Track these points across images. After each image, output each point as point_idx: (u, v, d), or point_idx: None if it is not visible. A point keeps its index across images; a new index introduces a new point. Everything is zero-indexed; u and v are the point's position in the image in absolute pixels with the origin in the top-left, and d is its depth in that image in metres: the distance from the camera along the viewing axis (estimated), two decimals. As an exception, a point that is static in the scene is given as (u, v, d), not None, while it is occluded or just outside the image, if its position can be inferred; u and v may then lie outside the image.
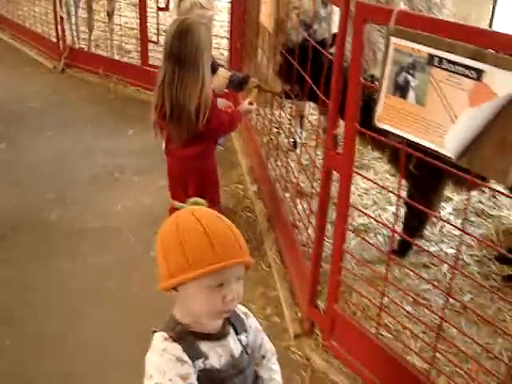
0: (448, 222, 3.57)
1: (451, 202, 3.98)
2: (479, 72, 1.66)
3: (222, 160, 4.19)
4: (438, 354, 2.32)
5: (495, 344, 2.73)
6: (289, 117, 4.22)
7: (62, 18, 6.87)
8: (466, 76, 1.69)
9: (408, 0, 4.44)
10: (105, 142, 5.07)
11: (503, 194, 2.78)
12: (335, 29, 2.57)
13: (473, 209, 3.93)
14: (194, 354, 1.46)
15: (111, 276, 3.32)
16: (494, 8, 6.54)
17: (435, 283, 2.90)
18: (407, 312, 2.63)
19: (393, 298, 2.76)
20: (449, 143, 1.79)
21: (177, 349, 1.44)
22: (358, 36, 2.11)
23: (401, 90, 1.93)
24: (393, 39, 1.92)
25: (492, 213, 3.91)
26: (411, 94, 1.90)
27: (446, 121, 1.79)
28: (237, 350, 1.54)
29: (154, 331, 1.50)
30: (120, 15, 6.83)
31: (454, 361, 2.42)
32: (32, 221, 3.85)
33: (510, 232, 3.64)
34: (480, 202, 4.03)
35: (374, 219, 3.21)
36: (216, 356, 1.49)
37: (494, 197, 4.08)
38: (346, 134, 2.30)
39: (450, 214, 3.85)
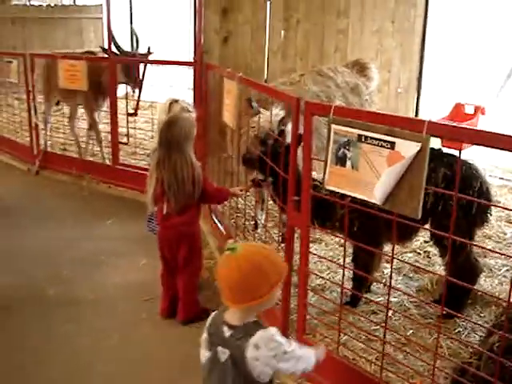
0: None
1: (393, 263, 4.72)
2: (392, 143, 2.45)
3: None
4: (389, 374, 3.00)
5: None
6: (249, 203, 5.00)
7: (36, 124, 7.61)
8: (384, 147, 2.48)
9: (344, 97, 5.40)
10: (86, 231, 5.67)
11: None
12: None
13: (411, 267, 4.70)
14: None
15: (110, 337, 3.88)
16: (418, 100, 7.68)
17: (382, 324, 3.60)
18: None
19: (350, 336, 3.46)
20: (376, 194, 2.55)
21: None
22: (308, 125, 2.91)
23: (341, 161, 2.71)
24: (333, 126, 2.71)
25: (426, 269, 4.67)
26: (348, 163, 2.68)
27: (373, 179, 2.55)
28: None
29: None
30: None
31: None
32: (33, 296, 4.40)
33: (442, 281, 4.37)
34: (416, 261, 4.80)
35: (328, 280, 3.93)
36: None
37: (429, 257, 4.85)
38: (303, 199, 3.04)
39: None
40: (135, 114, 6.99)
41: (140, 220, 5.49)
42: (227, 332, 2.27)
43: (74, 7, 14.96)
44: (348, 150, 2.66)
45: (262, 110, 4.45)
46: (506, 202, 6.18)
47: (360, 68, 5.94)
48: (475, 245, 4.03)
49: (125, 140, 6.97)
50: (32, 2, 17.11)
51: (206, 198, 4.01)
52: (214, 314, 2.43)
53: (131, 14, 12.19)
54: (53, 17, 14.05)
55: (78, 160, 7.44)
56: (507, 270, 4.64)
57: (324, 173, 2.79)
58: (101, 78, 6.77)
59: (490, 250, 4.82)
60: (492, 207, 4.04)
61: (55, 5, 15.83)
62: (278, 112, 4.32)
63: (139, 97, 7.29)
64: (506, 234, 5.40)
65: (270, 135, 3.98)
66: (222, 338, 2.28)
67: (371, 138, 2.54)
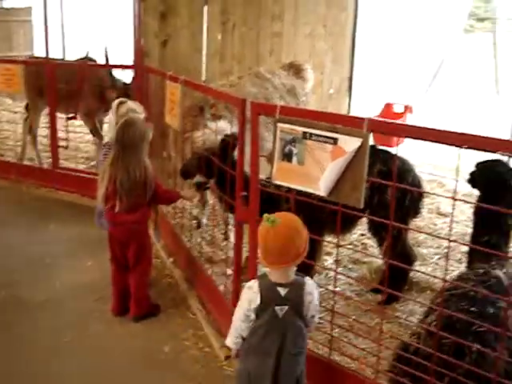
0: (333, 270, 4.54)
1: (332, 255, 4.96)
2: (335, 139, 2.66)
3: None
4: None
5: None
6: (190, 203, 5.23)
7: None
8: (327, 142, 2.68)
9: (282, 98, 5.63)
10: (29, 235, 5.64)
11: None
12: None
13: (350, 258, 4.96)
14: None
15: (64, 335, 3.94)
16: (349, 100, 8.02)
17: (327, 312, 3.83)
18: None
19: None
20: (321, 187, 2.74)
21: None
22: (255, 124, 3.08)
23: (287, 156, 2.89)
24: (279, 124, 2.89)
25: (364, 260, 4.94)
26: (294, 159, 2.86)
27: (318, 173, 2.75)
28: None
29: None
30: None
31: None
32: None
33: (379, 270, 4.64)
34: (355, 252, 5.06)
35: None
36: None
37: (366, 249, 5.13)
38: (252, 194, 3.22)
39: (331, 264, 4.81)
40: (75, 118, 6.98)
41: (82, 222, 5.58)
42: (283, 291, 2.70)
43: (2, 10, 14.59)
44: (294, 146, 2.84)
45: (208, 122, 4.61)
46: (435, 195, 6.54)
47: (296, 70, 6.16)
48: (412, 229, 4.33)
49: (64, 144, 6.93)
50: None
51: (157, 198, 4.12)
52: (258, 287, 2.73)
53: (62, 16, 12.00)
54: (-20, 20, 13.72)
55: (16, 165, 7.33)
56: (439, 258, 4.97)
57: (271, 168, 2.97)
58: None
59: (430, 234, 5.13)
60: (423, 200, 4.33)
61: (-18, 8, 15.47)
62: (222, 126, 4.44)
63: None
64: (436, 224, 5.75)
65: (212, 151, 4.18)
66: (279, 298, 2.70)
67: (315, 134, 2.73)
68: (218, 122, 4.42)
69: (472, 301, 2.88)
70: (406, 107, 8.35)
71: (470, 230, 4.12)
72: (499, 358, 2.55)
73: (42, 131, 7.71)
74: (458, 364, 2.62)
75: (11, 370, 3.60)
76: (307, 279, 2.79)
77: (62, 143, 6.90)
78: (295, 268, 2.75)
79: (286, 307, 2.69)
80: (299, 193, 3.05)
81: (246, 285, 2.84)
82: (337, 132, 2.63)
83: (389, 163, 3.89)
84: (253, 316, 2.72)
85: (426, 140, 2.55)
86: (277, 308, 2.69)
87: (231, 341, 2.84)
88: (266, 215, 2.63)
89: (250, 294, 2.73)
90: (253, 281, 2.79)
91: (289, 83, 5.92)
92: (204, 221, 5.61)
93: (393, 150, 4.10)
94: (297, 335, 2.74)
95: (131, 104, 4.47)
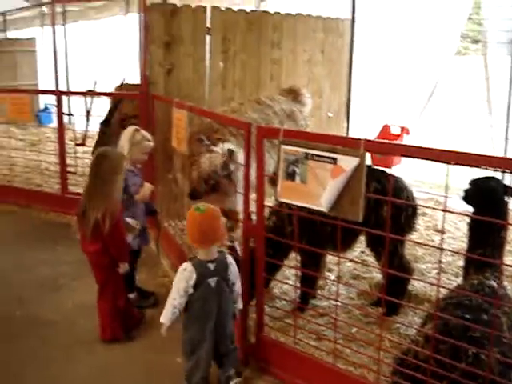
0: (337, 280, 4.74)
1: (334, 271, 5.16)
2: (334, 159, 2.89)
3: (146, 261, 5.33)
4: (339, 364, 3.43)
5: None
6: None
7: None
8: (327, 162, 2.92)
9: (281, 123, 5.86)
10: (39, 256, 5.84)
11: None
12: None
13: (351, 274, 5.16)
14: None
15: (76, 351, 4.15)
16: (348, 123, 8.28)
17: (329, 325, 4.05)
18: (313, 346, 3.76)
19: (300, 338, 3.88)
20: (323, 203, 2.97)
21: None
22: (260, 147, 3.32)
23: (291, 176, 3.12)
24: (282, 146, 3.12)
25: (365, 275, 5.14)
26: (297, 178, 3.10)
27: (320, 190, 2.98)
28: None
29: None
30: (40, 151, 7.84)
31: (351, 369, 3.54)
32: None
33: (379, 285, 4.84)
34: (355, 269, 5.26)
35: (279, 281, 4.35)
36: None
37: (367, 265, 5.32)
38: (258, 210, 3.44)
39: (333, 281, 5.00)
40: (83, 144, 7.25)
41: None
42: (212, 266, 3.39)
43: (7, 41, 14.95)
44: (297, 166, 3.07)
45: (212, 147, 4.84)
46: (432, 213, 6.75)
47: (294, 95, 6.40)
48: (408, 240, 4.54)
49: (72, 169, 7.17)
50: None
51: (108, 239, 4.03)
52: (191, 265, 3.37)
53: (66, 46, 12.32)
54: (-15, 50, 14.07)
55: (25, 191, 7.57)
56: (437, 273, 5.15)
57: (276, 187, 3.20)
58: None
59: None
60: (417, 217, 4.55)
61: (-12, 39, 15.84)
62: (224, 148, 4.69)
63: (87, 127, 7.54)
64: (433, 240, 5.95)
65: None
66: (209, 272, 3.38)
67: (316, 155, 2.96)
68: (224, 144, 4.66)
69: (467, 309, 3.09)
70: (403, 128, 8.59)
71: (465, 246, 4.32)
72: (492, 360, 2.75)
73: (51, 158, 7.94)
74: (454, 366, 2.83)
75: (23, 381, 3.83)
76: (226, 253, 3.55)
77: (70, 169, 7.13)
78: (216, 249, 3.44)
79: (216, 278, 3.38)
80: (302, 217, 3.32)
81: (180, 268, 3.42)
82: (336, 152, 2.87)
83: (383, 181, 4.14)
84: (191, 290, 3.33)
85: (419, 158, 2.78)
86: (209, 280, 3.36)
87: (167, 318, 3.37)
88: (194, 205, 3.35)
89: (186, 273, 3.35)
90: (186, 263, 3.40)
91: (288, 108, 6.15)
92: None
93: (389, 170, 4.34)
94: (227, 299, 3.45)
95: (144, 132, 4.69)
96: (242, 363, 3.84)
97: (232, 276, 3.47)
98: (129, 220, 4.45)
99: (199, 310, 3.38)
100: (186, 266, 3.37)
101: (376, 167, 4.42)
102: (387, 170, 4.40)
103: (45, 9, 15.67)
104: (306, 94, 6.51)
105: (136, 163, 4.75)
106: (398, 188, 4.24)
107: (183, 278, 3.35)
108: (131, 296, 4.79)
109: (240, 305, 3.63)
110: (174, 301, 3.36)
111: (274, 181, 4.00)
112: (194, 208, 3.31)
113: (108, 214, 3.93)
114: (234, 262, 3.49)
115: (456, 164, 2.65)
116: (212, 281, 3.37)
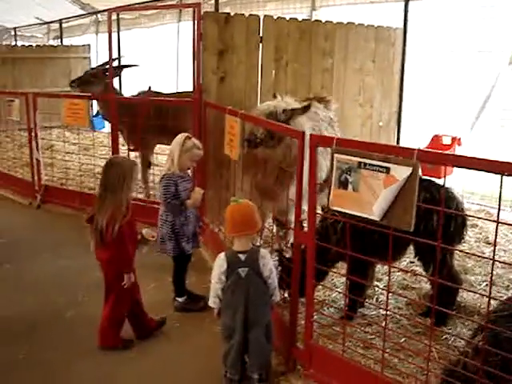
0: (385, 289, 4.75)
1: (382, 281, 5.17)
2: (387, 168, 2.92)
3: (196, 267, 5.43)
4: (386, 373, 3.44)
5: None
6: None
7: (37, 160, 7.99)
8: (380, 171, 2.95)
9: (327, 130, 5.86)
10: (94, 259, 5.99)
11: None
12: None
13: (399, 284, 5.15)
14: None
15: (129, 350, 4.30)
16: (398, 132, 8.23)
17: (378, 334, 4.06)
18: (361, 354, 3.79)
19: (349, 346, 3.91)
20: (375, 212, 3.00)
21: None
22: (313, 155, 3.37)
23: (343, 184, 3.16)
24: (335, 155, 3.17)
25: (414, 286, 5.12)
26: (350, 186, 3.13)
27: (372, 199, 3.01)
28: None
29: None
30: (94, 155, 8.09)
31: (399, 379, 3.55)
32: (54, 317, 4.80)
33: (428, 295, 4.82)
34: (404, 279, 5.25)
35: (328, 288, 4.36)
36: None
37: (415, 274, 5.30)
38: (309, 218, 3.49)
39: (382, 289, 5.00)
40: (137, 150, 7.43)
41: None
42: (243, 256, 3.54)
43: (62, 47, 15.43)
44: (349, 175, 3.11)
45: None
46: (483, 225, 6.67)
47: (326, 103, 6.36)
48: (457, 250, 4.54)
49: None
50: (21, 43, 17.65)
51: (112, 247, 4.05)
52: (224, 254, 3.59)
53: (119, 53, 12.63)
54: (41, 56, 14.54)
55: (79, 193, 7.80)
56: (486, 285, 5.10)
57: (329, 195, 3.24)
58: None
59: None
60: (467, 227, 4.52)
61: (44, 45, 16.35)
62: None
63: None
64: (484, 253, 5.88)
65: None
66: (240, 262, 3.53)
67: (370, 164, 3.00)
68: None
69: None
70: (454, 139, 8.52)
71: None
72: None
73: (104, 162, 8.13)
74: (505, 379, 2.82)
75: (78, 379, 3.98)
76: (261, 248, 3.70)
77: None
78: (251, 242, 3.63)
79: (247, 269, 3.51)
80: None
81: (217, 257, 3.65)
82: (389, 162, 2.90)
83: (433, 191, 4.14)
84: (223, 278, 3.53)
85: (471, 168, 2.78)
86: (239, 270, 3.51)
87: (211, 301, 3.64)
88: (232, 198, 3.64)
89: (220, 260, 3.57)
90: (221, 253, 3.62)
91: (327, 115, 6.13)
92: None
93: (440, 181, 4.33)
94: (258, 290, 3.54)
95: (195, 140, 4.78)
96: (287, 368, 3.91)
97: (264, 268, 3.55)
98: (144, 231, 4.49)
99: (229, 297, 3.54)
100: (221, 255, 3.59)
101: (425, 177, 4.42)
102: (437, 181, 4.40)
103: (99, 16, 16.16)
104: (332, 100, 6.45)
105: (184, 170, 4.81)
106: (448, 198, 4.23)
107: (217, 265, 3.58)
108: (180, 300, 4.90)
109: (277, 297, 3.72)
110: (214, 286, 3.60)
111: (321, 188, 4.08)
112: (232, 200, 3.58)
113: (112, 221, 3.96)
114: (267, 256, 3.59)
115: (509, 175, 2.64)
116: (242, 271, 3.51)
